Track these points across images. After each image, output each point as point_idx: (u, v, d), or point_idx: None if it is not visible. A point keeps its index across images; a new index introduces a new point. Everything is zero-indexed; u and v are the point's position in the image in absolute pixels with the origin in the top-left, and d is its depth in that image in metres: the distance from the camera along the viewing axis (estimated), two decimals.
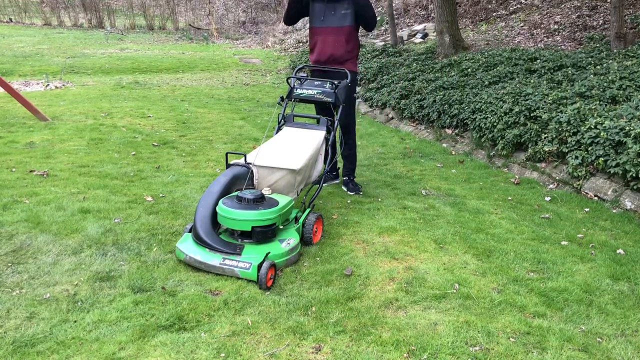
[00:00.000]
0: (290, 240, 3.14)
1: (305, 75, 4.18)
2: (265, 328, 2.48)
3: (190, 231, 3.16)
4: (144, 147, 5.71)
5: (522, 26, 10.17)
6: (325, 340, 2.40)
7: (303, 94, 4.02)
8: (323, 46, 4.33)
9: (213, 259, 2.94)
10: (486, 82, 6.71)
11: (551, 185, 4.78)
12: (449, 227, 3.74)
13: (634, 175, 4.07)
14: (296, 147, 3.63)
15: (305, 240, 3.34)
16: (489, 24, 11.16)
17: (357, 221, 3.81)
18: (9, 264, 2.97)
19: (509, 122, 5.42)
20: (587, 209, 4.16)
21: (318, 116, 4.04)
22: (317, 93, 3.99)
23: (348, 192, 4.48)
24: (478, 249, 3.38)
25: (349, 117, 4.51)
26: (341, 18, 4.24)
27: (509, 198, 4.44)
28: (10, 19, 22.83)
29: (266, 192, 3.28)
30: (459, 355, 2.31)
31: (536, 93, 5.64)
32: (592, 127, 4.54)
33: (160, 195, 4.21)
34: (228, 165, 3.45)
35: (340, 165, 4.81)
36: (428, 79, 7.60)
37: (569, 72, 6.22)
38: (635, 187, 4.13)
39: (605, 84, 5.39)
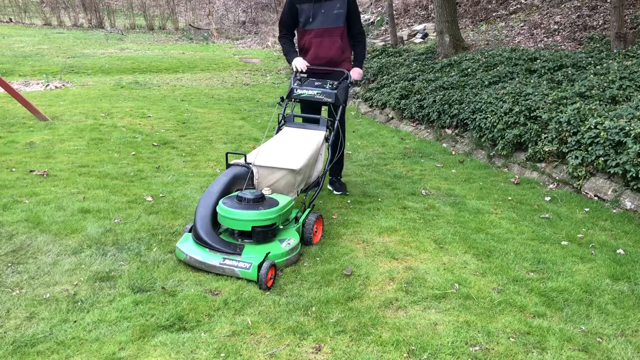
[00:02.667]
0: (290, 240, 3.14)
1: (305, 75, 4.17)
2: (265, 328, 2.48)
3: (190, 231, 3.16)
4: (144, 147, 5.71)
5: (522, 26, 10.17)
6: (325, 340, 2.40)
7: (303, 94, 4.02)
8: (319, 49, 4.15)
9: (213, 259, 2.94)
10: (486, 82, 6.71)
11: (551, 185, 4.78)
12: (449, 227, 3.74)
13: (634, 175, 4.07)
14: (296, 147, 3.63)
15: (305, 240, 3.34)
16: (489, 24, 11.16)
17: (357, 221, 3.81)
18: (9, 264, 2.97)
19: (509, 122, 5.42)
20: (587, 209, 4.16)
21: (318, 116, 4.03)
22: (317, 93, 3.98)
23: (334, 192, 4.45)
24: (478, 249, 3.38)
25: (340, 120, 4.48)
26: (335, 18, 4.09)
27: (509, 198, 4.44)
28: (10, 19, 22.83)
29: (266, 192, 3.28)
30: (459, 355, 2.31)
31: (536, 93, 5.64)
32: (592, 127, 4.54)
33: (160, 195, 4.21)
34: (228, 165, 3.45)
35: None
36: (428, 79, 7.60)
37: (569, 72, 6.22)
38: (635, 187, 4.13)
39: (605, 84, 5.39)
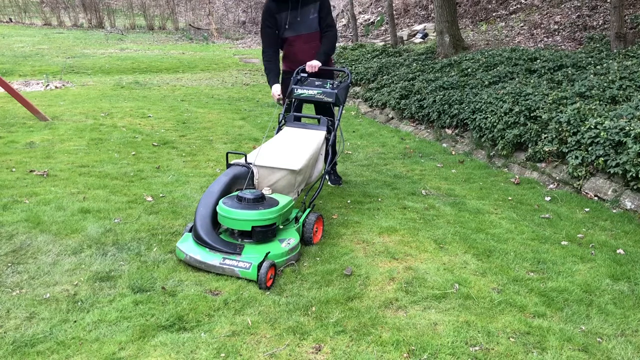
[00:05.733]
0: (290, 240, 3.14)
1: (306, 75, 4.17)
2: (265, 328, 2.48)
3: (190, 231, 3.16)
4: (144, 147, 5.71)
5: (522, 26, 10.17)
6: (325, 340, 2.40)
7: (303, 94, 4.02)
8: (300, 55, 4.19)
9: (213, 259, 2.95)
10: (486, 82, 6.71)
11: (551, 185, 4.78)
12: (449, 227, 3.74)
13: (634, 175, 4.07)
14: (296, 147, 3.63)
15: (305, 240, 3.34)
16: (489, 24, 11.16)
17: (357, 221, 3.81)
18: (9, 264, 2.97)
19: (509, 122, 5.42)
20: (587, 209, 4.16)
21: (319, 116, 4.03)
22: (317, 93, 3.99)
23: (329, 183, 4.55)
24: (478, 249, 3.38)
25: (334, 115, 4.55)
26: (311, 23, 4.16)
27: (509, 198, 4.44)
28: (10, 19, 22.83)
29: (266, 192, 3.28)
30: (459, 355, 2.31)
31: (536, 93, 5.64)
32: (592, 127, 4.54)
33: (160, 195, 4.21)
34: (228, 165, 3.45)
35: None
36: (428, 79, 7.60)
37: (569, 72, 6.22)
38: (635, 187, 4.13)
39: (605, 84, 5.39)
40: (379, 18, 15.28)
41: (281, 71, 4.32)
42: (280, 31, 4.17)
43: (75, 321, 2.47)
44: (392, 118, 7.73)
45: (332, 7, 4.30)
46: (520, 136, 5.28)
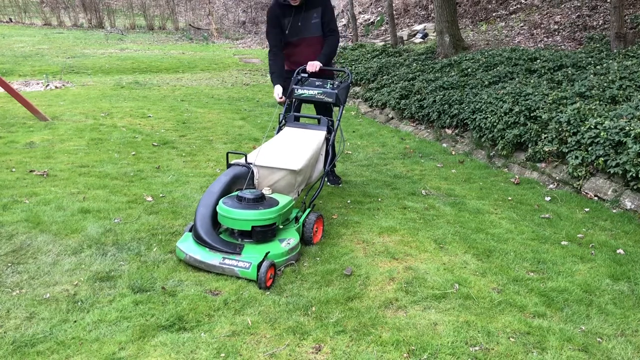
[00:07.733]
0: (290, 240, 3.14)
1: (306, 75, 4.17)
2: (265, 328, 2.48)
3: (190, 230, 3.16)
4: (144, 147, 5.71)
5: (522, 26, 10.17)
6: (325, 340, 2.40)
7: (304, 94, 4.02)
8: (300, 57, 4.25)
9: (213, 259, 2.95)
10: (486, 82, 6.71)
11: (551, 185, 4.78)
12: (449, 227, 3.74)
13: (634, 175, 4.07)
14: (297, 147, 3.63)
15: (305, 240, 3.34)
16: (489, 24, 11.16)
17: (357, 221, 3.81)
18: (9, 264, 2.97)
19: (509, 122, 5.42)
20: (587, 209, 4.16)
21: (319, 116, 4.03)
22: (317, 93, 3.99)
23: (328, 184, 4.56)
24: (478, 249, 3.38)
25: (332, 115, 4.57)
26: (313, 28, 4.23)
27: (509, 198, 4.44)
28: (10, 19, 22.83)
29: (266, 192, 3.28)
30: (459, 355, 2.31)
31: (536, 93, 5.64)
32: (592, 127, 4.54)
33: (160, 195, 4.21)
34: (229, 165, 3.45)
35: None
36: (428, 79, 7.60)
37: (569, 72, 6.22)
38: (635, 187, 4.13)
39: (605, 84, 5.39)
40: (379, 18, 15.28)
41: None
42: (285, 36, 4.27)
43: (75, 321, 2.47)
44: (392, 118, 7.73)
45: (333, 8, 4.31)
46: (520, 136, 5.28)
